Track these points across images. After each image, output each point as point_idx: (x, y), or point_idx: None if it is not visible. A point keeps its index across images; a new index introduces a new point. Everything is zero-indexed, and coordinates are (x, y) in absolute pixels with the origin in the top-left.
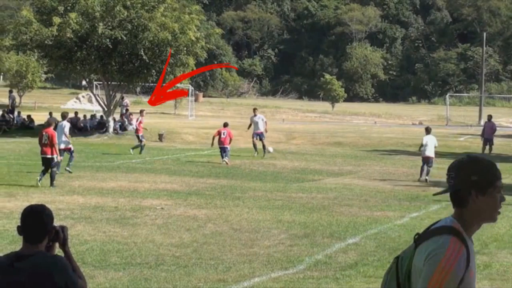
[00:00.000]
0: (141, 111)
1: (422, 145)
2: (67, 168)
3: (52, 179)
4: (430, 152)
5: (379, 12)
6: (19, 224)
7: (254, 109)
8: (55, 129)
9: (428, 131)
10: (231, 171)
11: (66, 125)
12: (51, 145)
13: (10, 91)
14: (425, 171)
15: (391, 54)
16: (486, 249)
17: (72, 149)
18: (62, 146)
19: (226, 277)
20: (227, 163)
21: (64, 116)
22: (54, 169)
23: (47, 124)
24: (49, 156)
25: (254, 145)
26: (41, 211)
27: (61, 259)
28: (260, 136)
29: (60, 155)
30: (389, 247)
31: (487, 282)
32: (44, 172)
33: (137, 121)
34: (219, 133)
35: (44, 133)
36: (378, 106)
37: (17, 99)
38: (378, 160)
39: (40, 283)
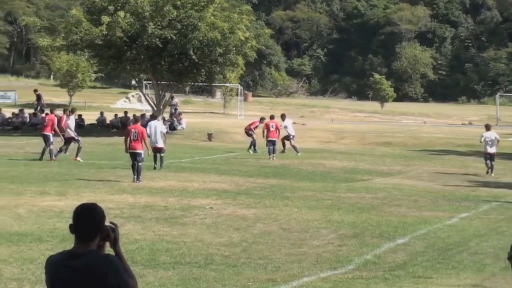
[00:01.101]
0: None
1: (483, 141)
2: None
3: (138, 173)
4: (492, 148)
5: (428, 12)
6: (71, 222)
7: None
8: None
9: (488, 128)
10: (280, 171)
11: (160, 124)
12: (140, 140)
13: (35, 90)
14: (490, 166)
15: (440, 54)
16: None
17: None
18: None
19: (275, 277)
20: (273, 159)
21: (153, 116)
22: (141, 164)
23: (135, 121)
24: (138, 151)
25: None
26: (92, 210)
27: (113, 258)
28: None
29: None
30: (439, 248)
31: None
32: (133, 168)
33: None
34: (267, 126)
35: (133, 129)
36: (427, 106)
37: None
38: (428, 160)
39: (93, 282)
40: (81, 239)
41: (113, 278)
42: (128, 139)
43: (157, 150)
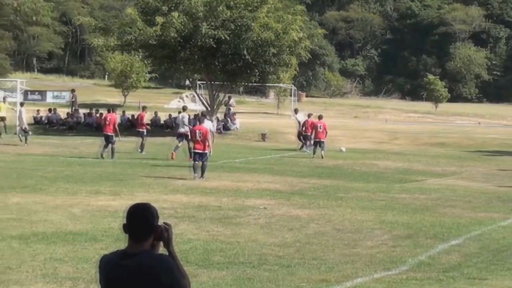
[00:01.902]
0: (143, 107)
1: None
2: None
3: (203, 171)
4: None
5: (482, 12)
6: (125, 222)
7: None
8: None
9: None
10: (334, 171)
11: (185, 116)
12: (204, 140)
13: (73, 90)
14: None
15: (495, 54)
16: None
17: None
18: (182, 130)
19: (329, 277)
20: (322, 157)
21: (184, 108)
22: (206, 162)
23: (199, 121)
24: (202, 151)
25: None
26: (146, 210)
27: (166, 258)
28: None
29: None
30: (493, 249)
31: None
32: (196, 166)
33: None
34: (315, 127)
35: (197, 130)
36: (481, 106)
37: (121, 99)
38: (482, 161)
39: (146, 282)
40: (135, 239)
41: (166, 277)
42: (193, 139)
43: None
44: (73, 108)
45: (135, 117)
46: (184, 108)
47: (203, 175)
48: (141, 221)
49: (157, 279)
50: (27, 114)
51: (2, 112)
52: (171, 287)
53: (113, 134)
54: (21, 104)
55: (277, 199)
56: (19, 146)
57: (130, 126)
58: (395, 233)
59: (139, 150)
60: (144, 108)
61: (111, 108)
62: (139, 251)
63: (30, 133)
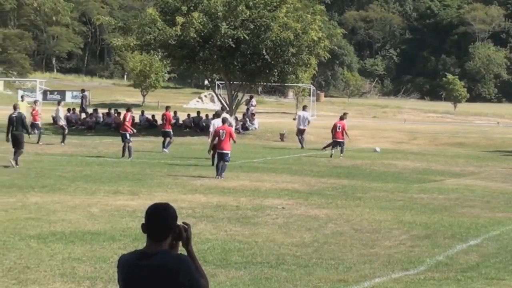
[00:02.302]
0: (167, 107)
1: None
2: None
3: (222, 170)
4: None
5: (502, 11)
6: (143, 222)
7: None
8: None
9: None
10: (352, 171)
11: (228, 116)
12: (228, 140)
13: (83, 90)
14: None
15: None
16: None
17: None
18: None
19: (347, 277)
20: (340, 157)
21: (223, 109)
22: (227, 163)
23: (222, 121)
24: (226, 151)
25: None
26: (165, 210)
27: (185, 258)
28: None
29: None
30: (511, 249)
31: None
32: (218, 167)
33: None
34: (334, 127)
35: (221, 130)
36: (501, 106)
37: (140, 98)
38: (501, 161)
39: (165, 281)
40: (153, 239)
41: (185, 277)
42: (217, 139)
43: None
44: (82, 108)
45: (161, 117)
46: (223, 109)
47: (221, 174)
48: (160, 221)
49: (175, 279)
50: (45, 114)
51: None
52: (190, 287)
53: (170, 130)
54: (58, 103)
55: (295, 199)
56: (55, 145)
57: (149, 126)
58: (413, 233)
59: (165, 149)
60: (168, 108)
61: (129, 107)
62: (157, 251)
63: (42, 131)
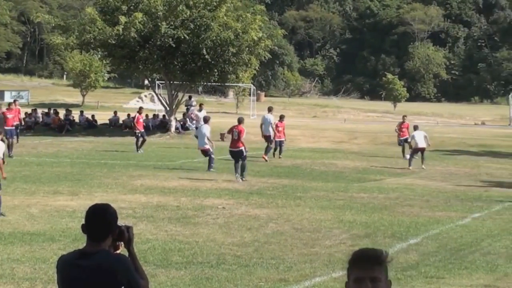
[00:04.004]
0: (140, 108)
1: None
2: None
3: (243, 169)
4: None
5: (441, 12)
6: (83, 222)
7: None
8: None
9: None
10: (293, 171)
11: (271, 117)
12: (238, 139)
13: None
14: None
15: (453, 54)
16: None
17: (211, 150)
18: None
19: (287, 277)
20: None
21: (269, 109)
22: (245, 162)
23: (238, 122)
24: (239, 149)
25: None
26: (105, 210)
27: (124, 258)
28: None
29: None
30: (451, 248)
31: None
32: (236, 167)
33: (134, 118)
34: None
35: (235, 129)
36: (440, 106)
37: (80, 98)
38: (440, 160)
39: (103, 281)
40: (93, 239)
41: (123, 277)
42: (230, 138)
43: (204, 153)
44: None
45: (131, 118)
46: (270, 109)
47: (243, 174)
48: (100, 221)
49: (114, 278)
50: None
51: None
52: (129, 287)
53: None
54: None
55: (235, 199)
56: None
57: (88, 126)
58: (353, 232)
59: (138, 150)
60: (141, 109)
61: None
62: (97, 250)
63: None
